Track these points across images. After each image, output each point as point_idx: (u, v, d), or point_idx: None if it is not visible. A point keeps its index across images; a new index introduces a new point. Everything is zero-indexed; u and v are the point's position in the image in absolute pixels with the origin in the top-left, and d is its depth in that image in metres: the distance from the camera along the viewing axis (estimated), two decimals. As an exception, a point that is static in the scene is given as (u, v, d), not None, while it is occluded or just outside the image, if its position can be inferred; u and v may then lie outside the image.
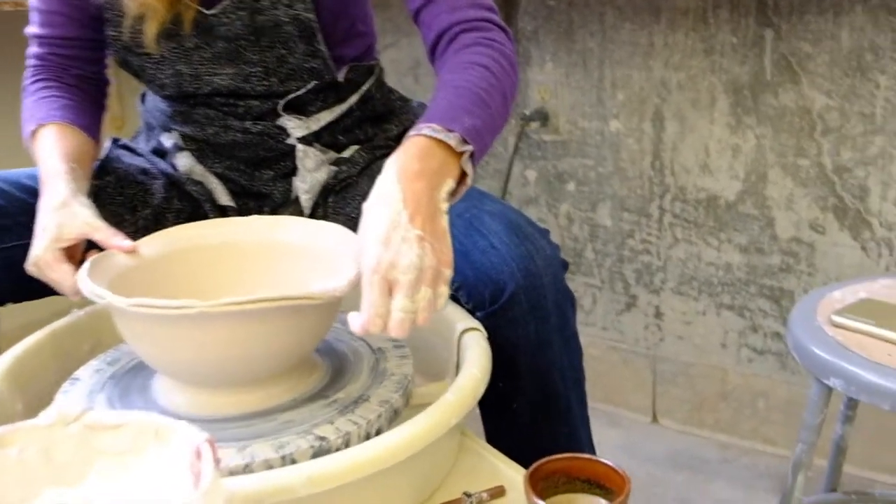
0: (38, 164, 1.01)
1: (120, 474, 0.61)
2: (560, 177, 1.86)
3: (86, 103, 1.12)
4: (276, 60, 1.05)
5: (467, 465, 0.93)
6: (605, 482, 0.77)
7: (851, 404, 1.31)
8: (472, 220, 1.00)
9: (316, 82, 1.07)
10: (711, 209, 1.70)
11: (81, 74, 1.13)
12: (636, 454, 1.77)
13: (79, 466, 0.61)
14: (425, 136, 0.83)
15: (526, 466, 1.03)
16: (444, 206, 0.81)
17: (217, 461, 0.56)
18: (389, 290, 0.75)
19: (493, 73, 0.92)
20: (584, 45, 1.75)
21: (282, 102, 1.08)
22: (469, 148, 0.84)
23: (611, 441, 1.80)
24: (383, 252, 0.74)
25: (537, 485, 0.75)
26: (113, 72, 1.19)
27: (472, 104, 0.88)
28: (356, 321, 0.75)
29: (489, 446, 0.96)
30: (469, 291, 0.98)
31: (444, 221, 0.80)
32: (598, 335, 1.90)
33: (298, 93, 1.07)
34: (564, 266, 1.01)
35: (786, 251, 1.64)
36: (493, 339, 0.96)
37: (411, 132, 0.84)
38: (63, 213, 0.91)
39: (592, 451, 1.11)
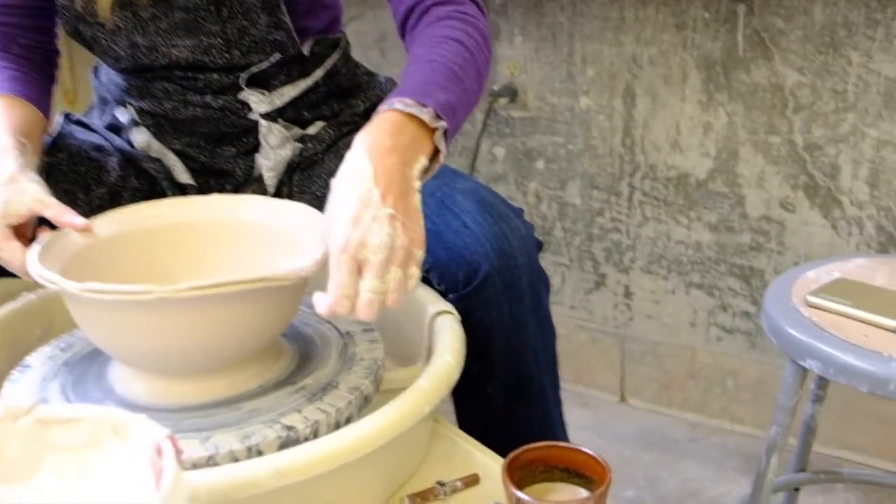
0: None
1: (75, 471, 0.57)
2: (529, 154, 1.83)
3: (34, 75, 1.05)
4: (238, 32, 1.00)
5: (440, 453, 0.90)
6: (585, 470, 0.74)
7: (822, 384, 1.30)
8: (443, 198, 0.97)
9: (280, 55, 1.03)
10: (682, 187, 1.68)
11: (29, 44, 1.07)
12: (605, 434, 1.76)
13: (30, 463, 0.57)
14: (397, 110, 0.79)
15: (500, 451, 1.01)
16: (417, 183, 0.78)
17: (179, 457, 0.52)
18: (358, 270, 0.72)
19: (466, 47, 0.89)
20: (554, 18, 1.72)
21: (244, 76, 1.03)
22: (443, 124, 0.81)
23: (579, 421, 1.79)
24: (352, 231, 0.71)
25: (514, 474, 0.73)
26: (64, 42, 1.13)
27: (445, 79, 0.85)
28: (322, 302, 0.72)
29: (462, 433, 0.94)
30: (441, 273, 0.96)
31: (417, 200, 0.76)
32: (566, 314, 1.88)
33: (261, 66, 1.03)
34: (539, 246, 1.00)
35: (756, 230, 1.63)
36: (466, 322, 0.94)
37: (382, 106, 0.81)
38: (11, 189, 0.85)
39: (564, 433, 1.09)
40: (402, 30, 0.97)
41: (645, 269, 1.76)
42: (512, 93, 1.80)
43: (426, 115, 0.80)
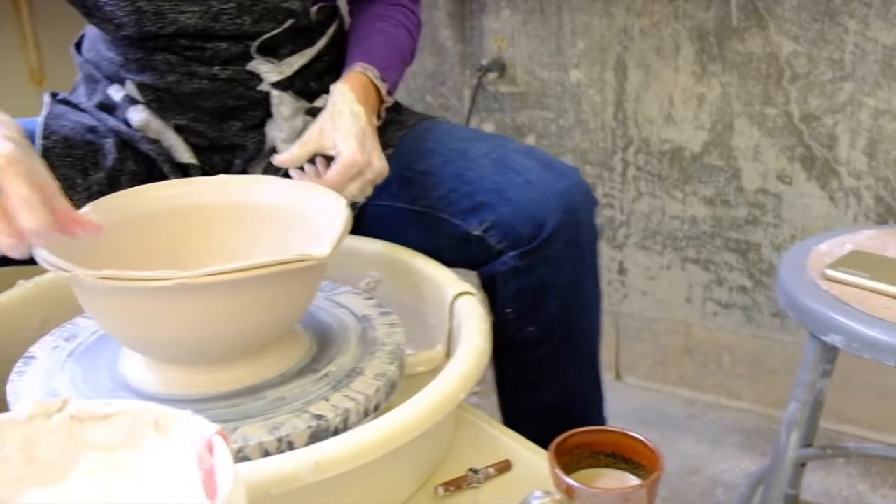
0: None
1: (112, 472, 0.52)
2: (519, 130, 1.79)
3: None
4: None
5: (466, 439, 0.87)
6: (632, 455, 0.71)
7: (830, 358, 1.28)
8: (501, 158, 0.98)
9: (293, 21, 0.98)
10: (676, 161, 1.65)
11: None
12: (600, 412, 1.74)
13: (64, 463, 0.52)
14: (369, 77, 1.00)
15: (548, 416, 1.00)
16: None
17: (233, 456, 0.48)
18: (352, 177, 0.90)
19: (412, 38, 1.09)
20: (542, -10, 1.68)
21: (255, 44, 0.98)
22: (390, 101, 1.03)
23: (574, 400, 1.77)
24: (360, 150, 0.90)
25: (560, 460, 0.69)
26: (28, 21, 1.04)
27: (398, 61, 1.05)
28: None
29: (487, 417, 0.91)
30: (504, 229, 0.95)
31: None
32: (557, 292, 1.85)
33: (274, 32, 0.97)
34: (596, 203, 1.00)
35: (752, 203, 1.61)
36: (525, 280, 0.95)
37: (357, 65, 1.00)
38: (27, 146, 0.70)
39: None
40: (353, 3, 1.12)
41: (639, 245, 1.74)
42: (500, 67, 1.75)
43: (383, 88, 1.01)
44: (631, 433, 0.71)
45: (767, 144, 1.57)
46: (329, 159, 0.93)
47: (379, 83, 1.00)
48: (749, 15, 1.51)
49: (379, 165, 0.92)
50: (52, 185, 0.66)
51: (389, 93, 1.02)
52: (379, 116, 1.01)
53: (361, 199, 0.94)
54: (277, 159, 0.90)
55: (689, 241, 1.69)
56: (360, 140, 0.91)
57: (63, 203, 0.66)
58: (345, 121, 0.92)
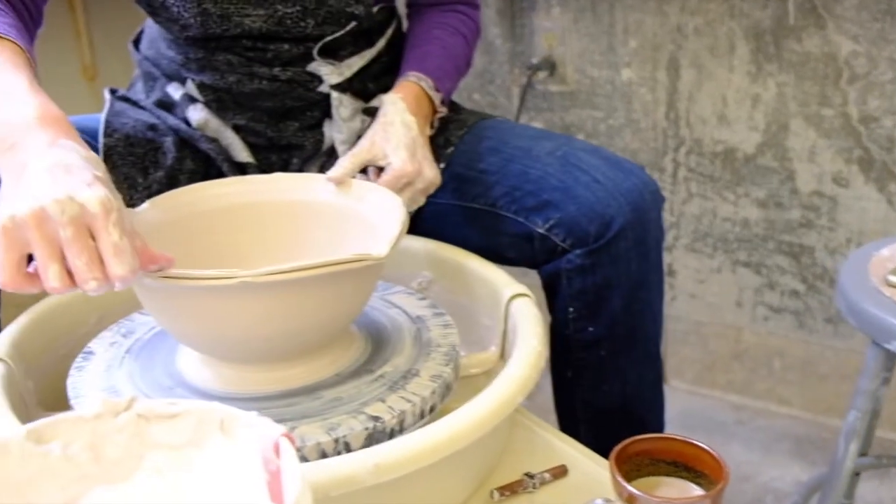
0: None
1: (177, 472, 0.52)
2: (568, 129, 1.77)
3: (26, 34, 0.84)
4: (316, 2, 0.94)
5: (521, 443, 0.86)
6: (695, 464, 0.70)
7: (890, 365, 1.25)
8: (566, 156, 0.97)
9: (355, 24, 0.98)
10: (729, 162, 1.63)
11: None
12: (647, 416, 1.71)
13: (130, 462, 0.52)
14: (422, 88, 0.99)
15: (607, 417, 0.99)
16: None
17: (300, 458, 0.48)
18: (402, 188, 0.90)
19: (469, 46, 1.10)
20: (594, -12, 1.66)
21: (316, 46, 0.97)
22: (443, 111, 1.03)
23: (620, 402, 1.75)
24: (411, 160, 0.91)
25: (620, 467, 0.68)
26: (82, 16, 1.03)
27: (453, 70, 1.05)
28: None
29: (540, 421, 0.90)
30: (570, 227, 0.94)
31: None
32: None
33: (336, 35, 0.97)
34: (663, 201, 0.99)
35: (807, 205, 1.58)
36: (589, 279, 0.94)
37: (411, 74, 1.00)
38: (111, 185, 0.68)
39: None
40: (412, 6, 1.11)
41: (689, 248, 1.72)
42: (550, 66, 1.74)
43: (437, 98, 1.01)
44: (694, 441, 0.70)
45: (824, 146, 1.53)
46: (381, 170, 0.92)
47: (432, 93, 1.00)
48: (807, 14, 1.48)
49: (430, 175, 0.91)
50: (129, 226, 0.66)
51: (443, 102, 1.02)
52: (432, 126, 1.01)
53: (412, 209, 0.93)
54: (329, 175, 0.88)
55: (740, 243, 1.66)
56: (410, 150, 0.91)
57: (139, 241, 0.67)
58: (396, 131, 0.92)
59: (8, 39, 0.75)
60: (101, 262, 0.61)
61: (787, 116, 1.55)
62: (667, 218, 1.72)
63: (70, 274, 0.61)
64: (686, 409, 1.74)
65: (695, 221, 1.69)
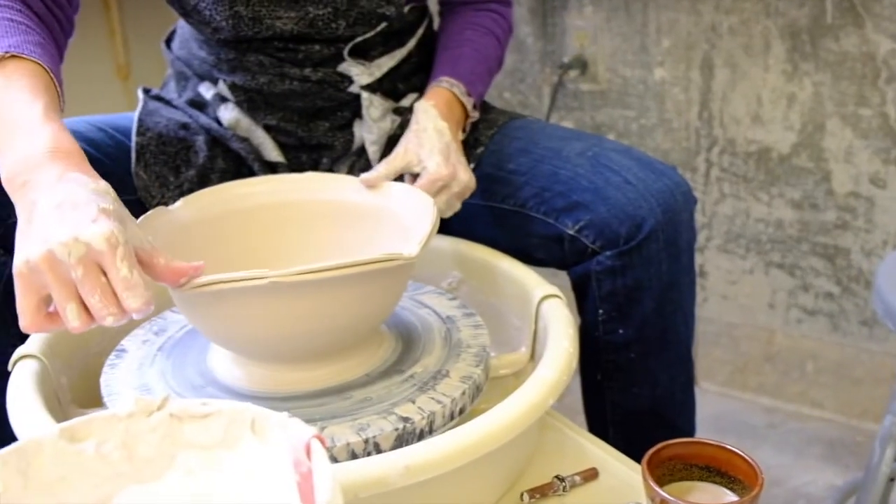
0: (9, 106, 0.72)
1: (208, 472, 0.52)
2: (598, 129, 1.76)
3: (57, 54, 0.83)
4: (348, 3, 0.94)
5: (551, 445, 0.85)
6: (728, 469, 0.69)
7: (927, 370, 1.23)
8: (597, 157, 0.97)
9: (386, 25, 0.97)
10: (763, 162, 1.61)
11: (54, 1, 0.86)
12: (677, 418, 1.70)
13: (162, 461, 0.52)
14: (454, 94, 1.00)
15: (638, 423, 0.99)
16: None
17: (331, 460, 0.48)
18: (437, 192, 0.90)
19: (501, 46, 1.09)
20: (627, -13, 1.65)
21: (347, 47, 0.97)
22: (475, 115, 1.03)
23: (650, 404, 1.73)
24: (447, 163, 0.91)
25: (653, 472, 0.67)
26: (116, 15, 1.03)
27: (485, 72, 1.05)
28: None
29: (571, 423, 0.89)
30: (600, 229, 0.94)
31: None
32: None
33: (366, 36, 0.97)
34: (695, 203, 0.98)
35: (842, 207, 1.55)
36: (620, 281, 0.94)
37: (443, 80, 1.00)
38: (122, 212, 0.68)
39: None
40: (445, 5, 1.10)
41: (721, 248, 1.70)
42: (582, 65, 1.73)
43: (469, 104, 1.01)
44: (728, 446, 0.69)
45: (860, 146, 1.51)
46: (416, 177, 0.92)
47: (465, 99, 1.00)
48: (844, 12, 1.46)
49: (465, 178, 0.92)
50: (149, 247, 0.67)
51: (475, 107, 1.02)
52: (464, 131, 1.02)
53: (449, 214, 0.93)
54: (363, 178, 0.89)
55: (773, 244, 1.64)
56: (444, 154, 0.92)
57: (163, 259, 0.67)
58: (429, 137, 0.93)
59: (31, 60, 0.75)
60: (115, 295, 0.62)
61: (824, 116, 1.53)
62: (699, 218, 1.70)
63: (88, 310, 0.62)
64: (717, 411, 1.72)
65: (727, 222, 1.68)
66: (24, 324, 0.63)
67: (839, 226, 1.57)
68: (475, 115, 1.02)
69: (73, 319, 0.61)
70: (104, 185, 0.67)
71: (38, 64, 0.75)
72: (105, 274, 0.61)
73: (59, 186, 0.65)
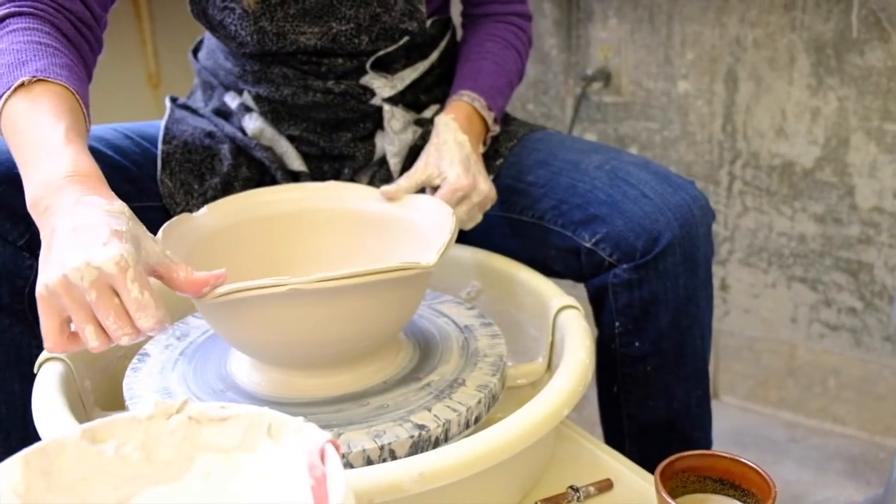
0: (30, 135, 0.73)
1: (226, 475, 0.53)
2: (621, 141, 1.76)
3: (84, 74, 0.84)
4: (370, 18, 0.95)
5: (566, 455, 0.86)
6: (741, 482, 0.69)
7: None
8: (614, 170, 0.97)
9: (408, 39, 0.99)
10: (786, 176, 1.60)
11: (84, 20, 0.86)
12: (697, 431, 1.69)
13: (181, 464, 0.53)
14: (475, 108, 1.01)
15: (653, 434, 0.99)
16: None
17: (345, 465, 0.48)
18: (457, 202, 0.91)
19: (522, 59, 1.10)
20: (652, -1, 1.65)
21: (370, 60, 0.99)
22: (496, 129, 1.03)
23: (670, 417, 1.73)
24: (467, 174, 0.92)
25: (666, 483, 0.68)
26: (147, 25, 1.06)
27: (505, 86, 1.05)
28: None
29: (586, 433, 0.89)
30: (616, 242, 0.94)
31: None
32: (656, 306, 1.81)
33: (388, 50, 0.98)
34: (713, 217, 0.98)
35: (866, 221, 1.55)
36: (636, 294, 0.94)
37: (464, 94, 1.01)
38: (143, 232, 0.70)
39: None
40: (466, 18, 1.12)
41: (743, 262, 1.69)
42: (605, 77, 1.73)
43: (490, 118, 1.02)
44: (742, 459, 0.69)
45: (885, 161, 1.50)
46: (437, 190, 0.93)
47: (485, 113, 1.01)
48: (871, 27, 1.46)
49: (485, 188, 0.92)
50: (167, 261, 0.69)
51: (496, 121, 1.03)
52: (484, 143, 1.03)
53: (470, 226, 0.94)
54: (384, 191, 0.90)
55: (796, 259, 1.63)
56: (465, 165, 0.92)
57: (183, 272, 0.69)
58: (449, 149, 0.94)
59: (56, 83, 0.76)
60: (129, 316, 0.64)
61: (848, 131, 1.52)
62: (721, 231, 1.70)
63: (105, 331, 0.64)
64: (738, 425, 1.71)
65: (750, 235, 1.67)
66: (48, 345, 0.65)
67: (862, 241, 1.56)
68: (496, 128, 1.03)
69: (91, 340, 0.64)
70: (119, 205, 0.69)
71: (64, 87, 0.77)
72: (118, 295, 0.63)
73: (75, 210, 0.67)
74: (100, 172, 0.72)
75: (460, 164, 0.92)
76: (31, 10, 0.82)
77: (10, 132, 0.74)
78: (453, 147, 0.94)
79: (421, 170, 0.93)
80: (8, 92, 0.75)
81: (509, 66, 1.06)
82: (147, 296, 0.64)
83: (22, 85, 0.74)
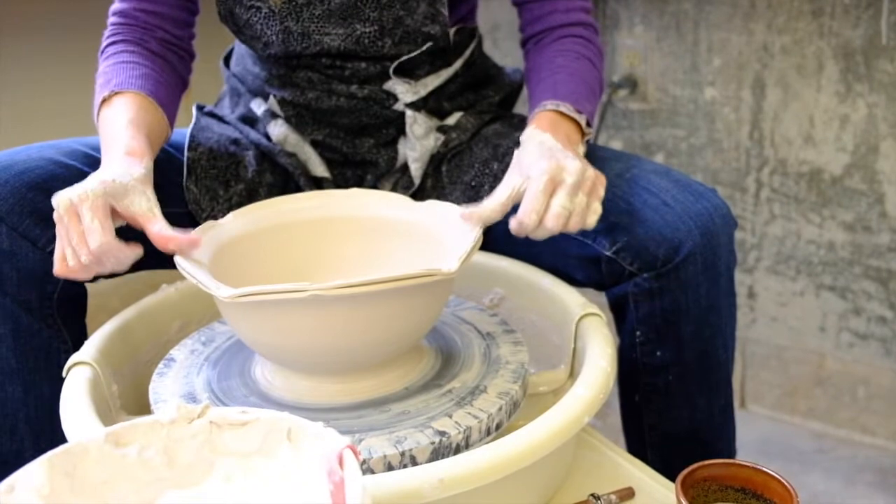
0: (105, 134, 0.90)
1: (246, 479, 0.54)
2: (648, 148, 1.76)
3: (167, 77, 1.00)
4: (394, 21, 0.96)
5: (587, 463, 0.86)
6: (763, 492, 0.69)
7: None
8: (635, 178, 0.96)
9: (431, 44, 0.99)
10: (814, 183, 1.59)
11: (167, 39, 1.01)
12: (724, 440, 1.68)
13: (201, 468, 0.54)
14: (560, 112, 0.93)
15: (675, 444, 0.98)
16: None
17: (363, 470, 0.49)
18: (553, 192, 0.80)
19: (596, 68, 1.03)
20: (678, 6, 1.64)
21: (393, 65, 0.99)
22: (591, 132, 0.96)
23: (696, 426, 1.71)
24: (550, 160, 0.82)
25: (687, 492, 0.67)
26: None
27: (587, 92, 0.99)
28: (513, 219, 0.81)
29: (608, 441, 0.89)
30: (637, 251, 0.93)
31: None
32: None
33: (412, 55, 0.99)
34: (735, 225, 0.97)
35: (896, 230, 1.53)
36: (657, 303, 0.93)
37: (547, 104, 0.94)
38: (136, 186, 0.80)
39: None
40: (528, 41, 1.07)
41: (771, 270, 1.68)
42: (632, 84, 1.73)
43: (581, 120, 0.94)
44: (763, 468, 0.68)
45: (915, 169, 1.49)
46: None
47: (575, 115, 0.93)
48: (900, 33, 1.44)
49: (575, 165, 0.80)
50: (147, 215, 0.80)
51: (588, 124, 0.95)
52: (584, 144, 0.95)
53: (593, 219, 0.82)
54: (464, 214, 0.82)
55: (825, 267, 1.62)
56: (545, 155, 0.83)
57: (156, 227, 0.79)
58: (529, 152, 0.86)
59: (128, 91, 0.92)
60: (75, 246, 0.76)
61: (878, 138, 1.51)
62: (748, 239, 1.69)
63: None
64: (765, 435, 1.70)
65: (777, 243, 1.66)
66: (54, 269, 0.78)
67: (892, 249, 1.54)
68: (590, 131, 0.95)
69: (69, 259, 0.76)
70: (138, 170, 0.82)
71: (136, 93, 0.93)
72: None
73: (101, 169, 0.82)
74: (144, 148, 0.85)
75: (540, 157, 0.82)
76: (122, 37, 0.99)
77: (101, 136, 0.91)
78: (534, 148, 0.85)
79: (505, 184, 0.84)
80: (98, 106, 0.93)
81: (586, 76, 1.00)
82: (97, 223, 0.75)
83: (104, 99, 0.92)
